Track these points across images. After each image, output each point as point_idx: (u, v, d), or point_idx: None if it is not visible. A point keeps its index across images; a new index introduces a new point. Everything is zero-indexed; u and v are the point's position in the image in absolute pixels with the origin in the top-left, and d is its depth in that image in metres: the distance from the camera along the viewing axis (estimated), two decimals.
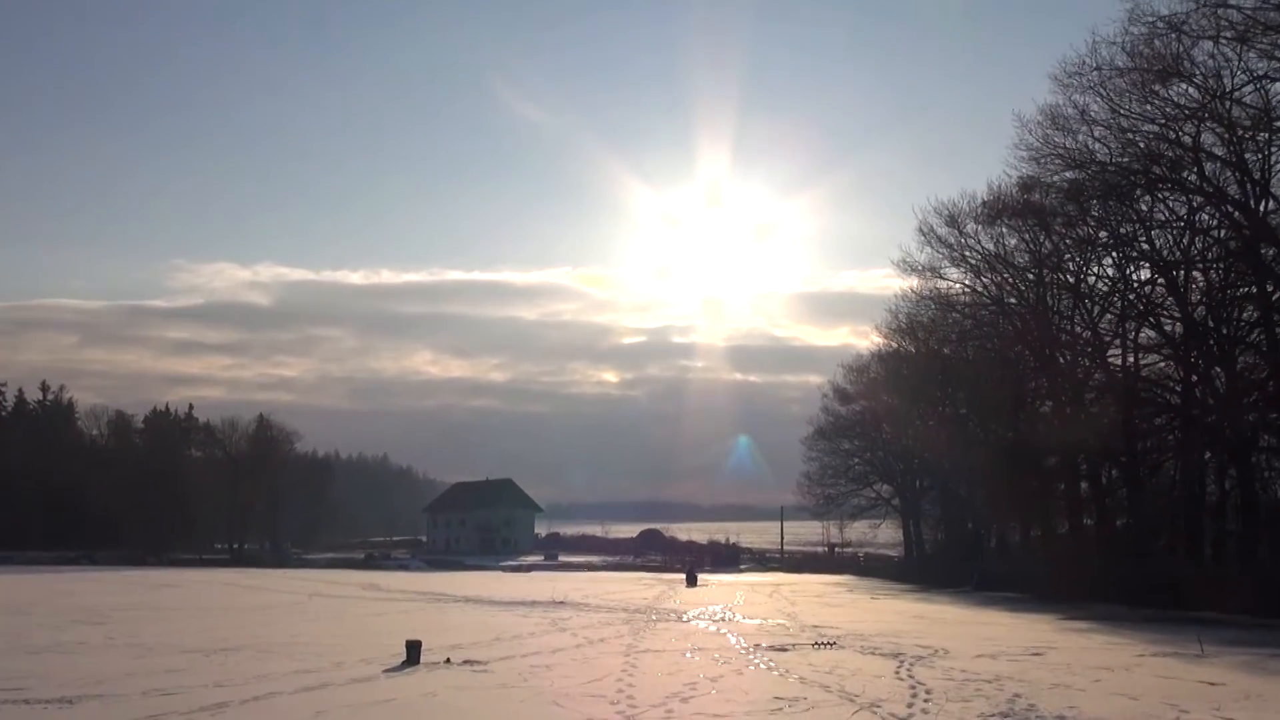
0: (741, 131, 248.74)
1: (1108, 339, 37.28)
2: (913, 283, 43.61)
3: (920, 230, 40.76)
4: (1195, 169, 30.68)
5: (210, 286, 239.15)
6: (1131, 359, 36.75)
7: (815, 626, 22.11)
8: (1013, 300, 40.67)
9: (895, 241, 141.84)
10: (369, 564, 79.37)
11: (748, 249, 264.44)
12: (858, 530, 74.10)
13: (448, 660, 14.78)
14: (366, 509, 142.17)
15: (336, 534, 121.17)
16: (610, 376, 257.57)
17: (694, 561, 69.02)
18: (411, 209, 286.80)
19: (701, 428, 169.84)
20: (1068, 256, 37.95)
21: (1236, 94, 28.23)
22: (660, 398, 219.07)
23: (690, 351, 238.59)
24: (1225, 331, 32.74)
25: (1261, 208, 30.10)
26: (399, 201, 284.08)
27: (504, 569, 73.54)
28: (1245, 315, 32.65)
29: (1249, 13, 26.11)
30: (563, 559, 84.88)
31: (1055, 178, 33.96)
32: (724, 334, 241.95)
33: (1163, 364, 36.12)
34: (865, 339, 60.74)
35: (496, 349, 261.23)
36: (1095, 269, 37.73)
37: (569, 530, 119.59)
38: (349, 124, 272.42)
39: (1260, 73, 27.47)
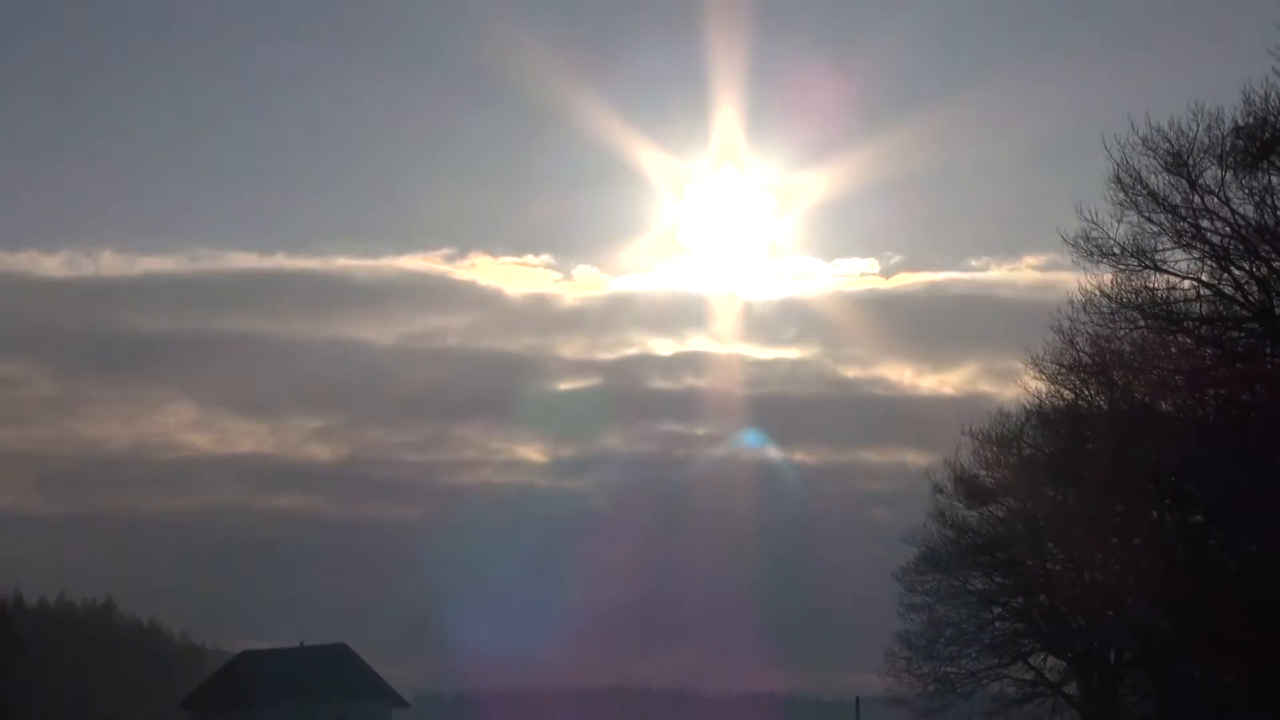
0: (767, 31, 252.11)
1: None
2: (1104, 278, 44.13)
3: (1118, 180, 41.31)
4: None
5: None
6: None
7: None
8: None
9: (1067, 202, 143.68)
10: None
11: (783, 223, 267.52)
12: None
13: None
14: (75, 701, 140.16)
15: None
16: (533, 454, 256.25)
17: None
18: (158, 140, 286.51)
19: (706, 551, 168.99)
20: None
21: None
22: (627, 494, 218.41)
23: (685, 406, 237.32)
24: None
25: None
26: (134, 125, 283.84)
27: None
28: None
29: None
30: None
31: None
32: (744, 373, 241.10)
33: None
34: (1011, 384, 60.27)
35: (319, 401, 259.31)
36: None
37: None
38: None
39: None
